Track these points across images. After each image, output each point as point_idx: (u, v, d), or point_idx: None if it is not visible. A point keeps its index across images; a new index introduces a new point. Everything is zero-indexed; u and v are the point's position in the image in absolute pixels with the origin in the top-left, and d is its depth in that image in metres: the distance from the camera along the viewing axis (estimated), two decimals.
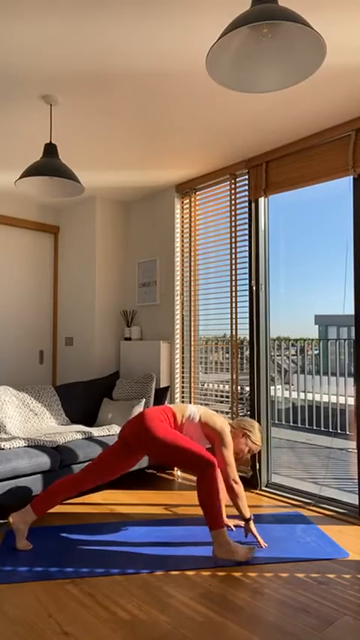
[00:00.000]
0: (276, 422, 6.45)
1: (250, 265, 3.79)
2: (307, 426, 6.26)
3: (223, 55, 1.74)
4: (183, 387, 4.34)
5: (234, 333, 3.91)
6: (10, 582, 2.33)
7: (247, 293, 3.82)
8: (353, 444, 4.92)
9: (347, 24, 2.19)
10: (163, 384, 4.31)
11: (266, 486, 3.75)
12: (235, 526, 2.96)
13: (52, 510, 3.26)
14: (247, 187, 3.85)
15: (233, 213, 3.94)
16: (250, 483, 3.74)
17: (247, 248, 3.83)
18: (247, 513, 2.72)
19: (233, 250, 3.93)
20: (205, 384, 4.26)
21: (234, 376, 3.91)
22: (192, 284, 4.30)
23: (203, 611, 2.09)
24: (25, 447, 3.20)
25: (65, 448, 3.30)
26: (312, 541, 2.77)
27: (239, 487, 2.70)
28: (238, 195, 3.92)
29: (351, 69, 2.55)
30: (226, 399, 3.98)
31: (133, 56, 2.43)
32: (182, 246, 4.43)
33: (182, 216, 4.45)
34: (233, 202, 3.94)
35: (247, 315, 3.81)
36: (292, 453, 5.22)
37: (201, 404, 4.19)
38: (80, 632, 1.95)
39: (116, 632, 1.95)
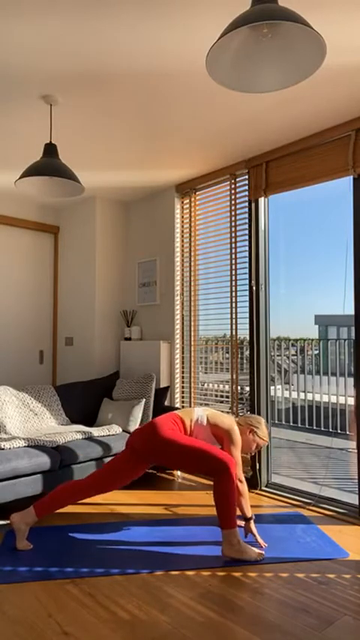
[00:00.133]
0: (276, 422, 6.45)
1: (250, 265, 3.79)
2: (307, 426, 6.26)
3: (223, 55, 1.74)
4: (183, 387, 4.34)
5: (234, 333, 3.91)
6: (10, 582, 2.33)
7: (247, 293, 3.82)
8: (353, 444, 4.92)
9: (347, 24, 2.19)
10: (163, 384, 4.31)
11: (266, 486, 3.75)
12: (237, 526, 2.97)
13: None
14: (247, 187, 3.85)
15: (233, 213, 3.94)
16: (250, 483, 3.73)
17: (247, 248, 3.83)
18: (249, 513, 2.73)
19: (233, 250, 3.93)
20: (205, 384, 4.26)
21: (234, 376, 3.91)
22: (192, 284, 4.30)
23: (203, 611, 2.09)
24: (25, 447, 3.19)
25: (65, 448, 3.30)
26: (312, 541, 2.77)
27: (244, 486, 2.74)
28: (238, 195, 3.92)
29: (351, 69, 2.55)
30: (226, 399, 3.98)
31: (133, 56, 2.43)
32: (182, 246, 4.43)
33: (182, 216, 4.45)
34: (233, 202, 3.94)
35: (247, 315, 3.81)
36: (292, 453, 5.22)
37: (201, 404, 4.19)
38: (80, 632, 1.95)
39: (116, 632, 1.95)
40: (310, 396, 6.34)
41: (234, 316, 3.90)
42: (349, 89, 2.76)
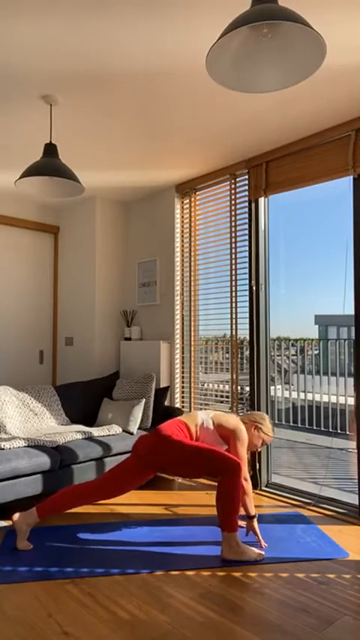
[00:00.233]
0: (276, 422, 6.44)
1: (250, 265, 3.79)
2: (307, 426, 6.26)
3: (223, 55, 1.74)
4: (183, 387, 4.34)
5: (234, 333, 3.91)
6: (10, 582, 2.33)
7: (247, 293, 3.82)
8: (353, 444, 4.92)
9: (347, 24, 2.19)
10: (163, 384, 4.31)
11: (266, 486, 3.75)
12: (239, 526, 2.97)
13: None
14: (247, 187, 3.85)
15: (233, 213, 3.94)
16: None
17: (247, 248, 3.83)
18: (253, 511, 2.74)
19: (233, 250, 3.93)
20: (205, 384, 4.26)
21: (234, 376, 3.91)
22: (192, 284, 4.30)
23: (203, 611, 2.09)
24: (25, 447, 3.19)
25: (65, 448, 3.30)
26: (312, 541, 2.77)
27: (248, 484, 2.75)
28: (238, 195, 3.92)
29: (351, 69, 2.55)
30: (226, 399, 3.98)
31: (133, 56, 2.43)
32: (182, 246, 4.43)
33: (182, 216, 4.45)
34: (233, 202, 3.94)
35: (247, 315, 3.81)
36: (292, 453, 5.22)
37: (201, 404, 4.19)
38: (80, 632, 1.95)
39: (116, 632, 1.95)
40: (310, 396, 6.34)
41: (234, 316, 3.90)
42: (349, 89, 2.76)
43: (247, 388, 3.83)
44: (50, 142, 2.98)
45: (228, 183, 4.00)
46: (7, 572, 2.41)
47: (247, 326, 3.81)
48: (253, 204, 3.79)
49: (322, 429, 6.12)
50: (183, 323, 4.39)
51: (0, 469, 2.93)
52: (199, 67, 2.52)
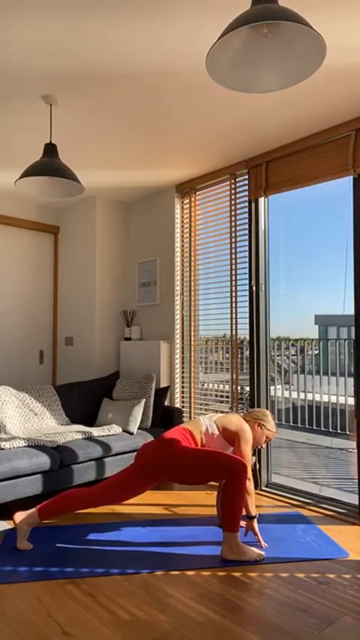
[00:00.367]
0: (276, 422, 6.44)
1: (250, 265, 3.79)
2: (307, 426, 6.26)
3: (223, 55, 1.74)
4: (183, 387, 4.34)
5: (234, 333, 3.91)
6: (10, 582, 2.33)
7: (247, 293, 3.82)
8: (353, 444, 4.92)
9: (347, 24, 2.19)
10: (163, 384, 4.31)
11: (266, 486, 3.75)
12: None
13: None
14: (247, 187, 3.85)
15: (233, 213, 3.94)
16: None
17: (247, 248, 3.83)
18: (254, 511, 2.74)
19: (233, 250, 3.93)
20: (205, 384, 4.26)
21: (234, 376, 3.91)
22: (192, 284, 4.30)
23: (203, 611, 2.09)
24: (25, 447, 3.20)
25: (65, 448, 3.30)
26: (312, 541, 2.77)
27: (250, 484, 2.75)
28: (238, 195, 3.92)
29: (351, 69, 2.55)
30: (226, 399, 3.98)
31: (133, 56, 2.43)
32: (182, 246, 4.43)
33: (182, 216, 4.45)
34: (233, 202, 3.94)
35: (247, 315, 3.81)
36: (292, 453, 5.22)
37: (201, 404, 4.19)
38: (80, 632, 1.95)
39: (116, 632, 1.95)
40: (310, 396, 6.34)
41: (234, 316, 3.90)
42: (349, 89, 2.76)
43: (247, 388, 3.83)
44: (50, 142, 2.98)
45: (228, 183, 4.00)
46: (7, 572, 2.41)
47: (247, 326, 3.81)
48: (253, 204, 3.79)
49: (322, 428, 6.12)
50: (183, 323, 4.39)
51: (0, 469, 2.93)
52: (199, 66, 2.52)
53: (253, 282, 3.76)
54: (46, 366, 5.13)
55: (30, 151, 3.60)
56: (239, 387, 3.90)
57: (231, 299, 3.93)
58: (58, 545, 2.74)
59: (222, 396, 4.03)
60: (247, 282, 3.82)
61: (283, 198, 3.73)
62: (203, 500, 3.50)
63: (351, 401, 5.93)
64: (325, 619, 2.03)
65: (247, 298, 3.81)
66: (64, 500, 2.69)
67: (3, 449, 3.10)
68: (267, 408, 3.77)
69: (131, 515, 3.21)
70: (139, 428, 3.89)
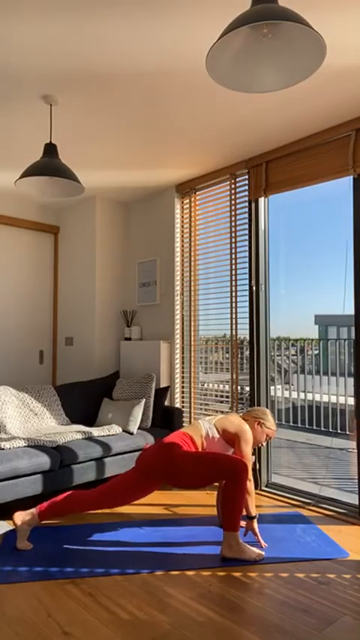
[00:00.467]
0: (276, 422, 6.44)
1: (250, 265, 3.79)
2: (307, 426, 6.26)
3: (223, 55, 1.74)
4: (183, 387, 4.34)
5: (234, 333, 3.91)
6: (10, 582, 2.33)
7: (247, 293, 3.82)
8: (353, 444, 4.92)
9: (347, 24, 2.19)
10: (163, 384, 4.31)
11: (266, 486, 3.75)
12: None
13: None
14: (247, 187, 3.85)
15: (233, 213, 3.94)
16: None
17: (247, 248, 3.83)
18: (254, 511, 2.74)
19: (233, 250, 3.93)
20: (205, 384, 4.26)
21: (234, 376, 3.91)
22: (192, 284, 4.30)
23: (203, 611, 2.09)
24: (25, 447, 3.20)
25: (65, 448, 3.30)
26: (312, 541, 2.77)
27: (251, 485, 2.76)
28: (238, 195, 3.92)
29: (351, 69, 2.55)
30: (226, 399, 3.98)
31: (133, 56, 2.43)
32: (182, 246, 4.43)
33: (182, 216, 4.45)
34: (233, 202, 3.94)
35: (247, 315, 3.81)
36: (292, 453, 5.22)
37: (201, 404, 4.19)
38: (80, 632, 1.95)
39: (116, 632, 1.95)
40: (310, 396, 6.34)
41: (234, 316, 3.90)
42: (349, 89, 2.76)
43: (247, 388, 3.83)
44: (50, 142, 2.98)
45: (228, 183, 4.00)
46: (7, 572, 2.41)
47: (247, 326, 3.81)
48: (253, 204, 3.79)
49: (322, 428, 6.12)
50: (183, 323, 4.39)
51: (0, 469, 2.93)
52: (199, 66, 2.52)
53: (253, 282, 3.76)
54: (46, 366, 5.13)
55: (30, 151, 3.60)
56: (239, 387, 3.90)
57: (231, 299, 3.93)
58: (58, 545, 2.74)
59: (222, 396, 4.03)
60: (247, 282, 3.82)
61: (283, 198, 3.74)
62: (203, 500, 3.50)
63: (351, 401, 5.93)
64: (325, 619, 2.03)
65: (247, 298, 3.81)
66: (65, 501, 2.69)
67: (3, 449, 3.10)
68: (267, 408, 3.77)
69: (131, 515, 3.20)
70: (139, 428, 3.89)
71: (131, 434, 3.73)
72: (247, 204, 3.84)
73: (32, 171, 2.79)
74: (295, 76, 1.82)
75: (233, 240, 3.93)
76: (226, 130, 3.28)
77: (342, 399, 6.03)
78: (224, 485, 2.58)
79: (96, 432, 3.60)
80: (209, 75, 1.78)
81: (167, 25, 2.18)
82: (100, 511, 3.26)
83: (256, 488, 3.71)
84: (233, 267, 3.92)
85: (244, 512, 2.76)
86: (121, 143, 3.49)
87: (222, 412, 4.01)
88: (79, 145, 3.52)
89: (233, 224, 3.94)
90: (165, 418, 4.05)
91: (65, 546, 2.72)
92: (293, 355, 6.86)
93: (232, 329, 3.92)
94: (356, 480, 3.82)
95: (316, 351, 6.81)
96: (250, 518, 2.74)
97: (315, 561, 2.54)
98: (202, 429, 2.87)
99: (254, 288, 3.76)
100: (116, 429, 3.71)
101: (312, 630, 1.95)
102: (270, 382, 3.84)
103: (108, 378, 4.38)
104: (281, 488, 3.68)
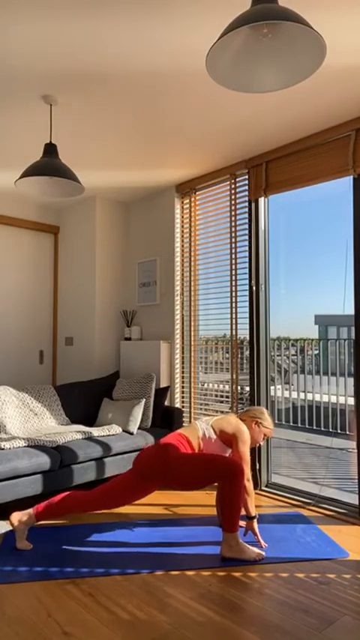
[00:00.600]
0: (276, 422, 6.44)
1: (250, 265, 3.79)
2: (307, 426, 6.26)
3: (223, 55, 1.74)
4: (183, 387, 4.34)
5: (234, 333, 3.91)
6: (10, 582, 2.33)
7: (247, 293, 3.82)
8: (353, 444, 4.92)
9: (347, 24, 2.19)
10: (163, 384, 4.31)
11: (266, 486, 3.75)
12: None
13: None
14: (247, 187, 3.84)
15: (233, 213, 3.94)
16: None
17: (247, 248, 3.83)
18: (254, 511, 2.74)
19: (233, 250, 3.93)
20: (205, 384, 4.26)
21: (234, 376, 3.91)
22: (192, 284, 4.30)
23: (203, 611, 2.09)
24: (25, 447, 3.20)
25: (65, 448, 3.30)
26: (312, 541, 2.77)
27: (250, 485, 2.75)
28: (238, 195, 3.92)
29: (351, 69, 2.55)
30: (226, 399, 3.98)
31: (133, 56, 2.43)
32: (182, 246, 4.43)
33: (182, 216, 4.45)
34: (233, 202, 3.94)
35: (247, 315, 3.81)
36: (292, 453, 5.22)
37: (201, 404, 4.19)
38: (80, 632, 1.95)
39: (116, 632, 1.95)
40: (310, 396, 6.34)
41: (234, 316, 3.90)
42: (349, 89, 2.76)
43: (247, 388, 3.83)
44: (50, 142, 2.98)
45: (228, 183, 4.00)
46: (7, 572, 2.41)
47: (247, 326, 3.81)
48: (253, 204, 3.79)
49: (322, 428, 6.12)
50: (183, 323, 4.39)
51: (0, 469, 2.93)
52: (199, 67, 2.52)
53: (253, 282, 3.76)
54: (46, 366, 5.13)
55: (30, 151, 3.60)
56: (239, 387, 3.90)
57: (231, 299, 3.93)
58: (58, 545, 2.74)
59: (222, 396, 4.03)
60: (247, 282, 3.82)
61: (283, 198, 3.74)
62: (203, 500, 3.50)
63: (351, 401, 5.93)
64: (325, 619, 2.03)
65: (247, 298, 3.81)
66: (63, 502, 2.69)
67: (3, 449, 3.10)
68: (267, 408, 3.77)
69: (130, 515, 3.20)
70: (139, 428, 3.89)
71: (131, 434, 3.73)
72: (247, 204, 3.84)
73: (32, 172, 2.79)
74: (295, 76, 1.82)
75: (233, 240, 3.93)
76: (226, 129, 3.28)
77: (342, 399, 6.03)
78: (222, 486, 2.57)
79: (96, 432, 3.60)
80: (209, 75, 1.78)
81: (167, 25, 2.18)
82: (99, 511, 3.26)
83: (256, 488, 3.71)
84: (233, 267, 3.92)
85: (244, 512, 2.76)
86: (121, 143, 3.49)
87: (222, 412, 4.01)
88: (79, 145, 3.52)
89: (233, 224, 3.94)
90: (165, 418, 4.05)
91: (65, 546, 2.72)
92: (293, 355, 6.86)
93: (232, 329, 3.92)
94: (356, 480, 3.82)
95: (316, 351, 6.81)
96: (249, 518, 2.74)
97: (315, 561, 2.54)
98: (198, 429, 2.87)
99: (254, 288, 3.76)
100: (116, 429, 3.71)
101: (312, 630, 1.95)
102: (270, 382, 3.84)
103: (108, 378, 4.38)
104: (281, 488, 3.68)
